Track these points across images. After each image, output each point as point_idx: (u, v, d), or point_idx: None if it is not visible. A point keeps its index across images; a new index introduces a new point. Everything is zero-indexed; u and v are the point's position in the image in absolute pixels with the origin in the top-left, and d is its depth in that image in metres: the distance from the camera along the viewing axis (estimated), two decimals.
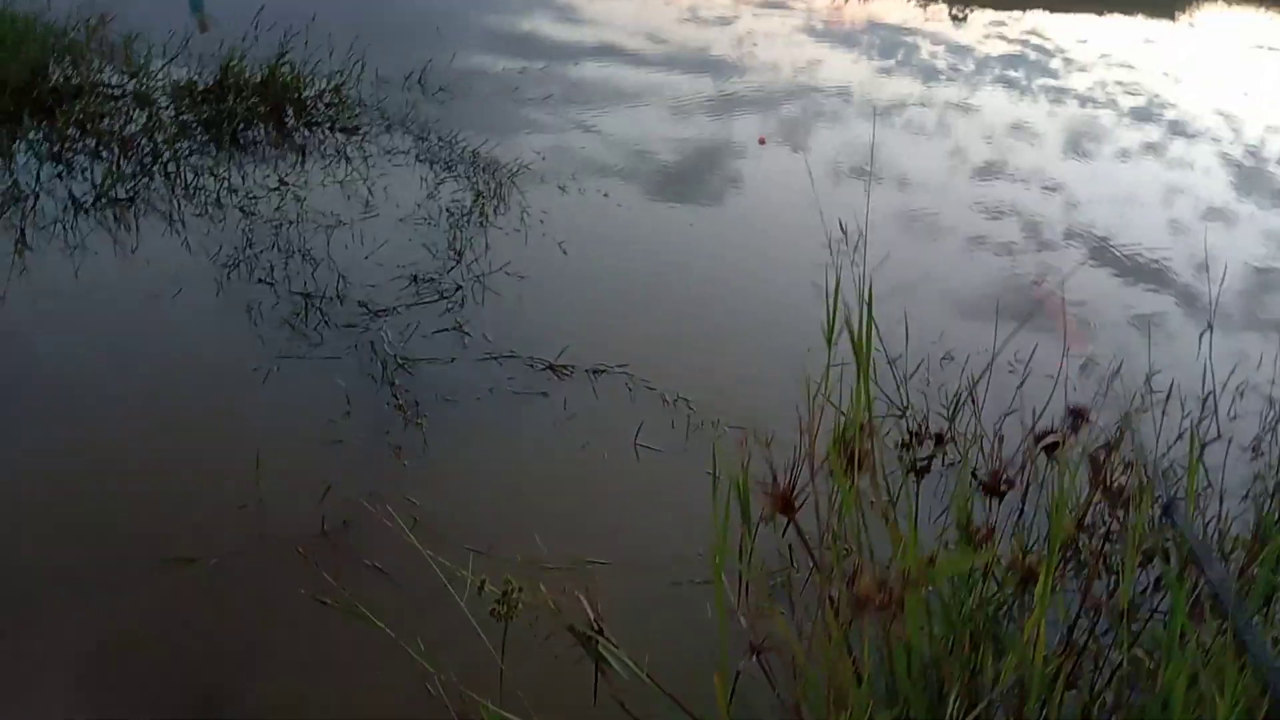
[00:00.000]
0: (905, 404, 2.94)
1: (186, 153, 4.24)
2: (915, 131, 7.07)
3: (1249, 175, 6.86)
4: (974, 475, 1.64)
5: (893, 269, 4.43)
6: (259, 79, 4.90)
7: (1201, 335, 3.22)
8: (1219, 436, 2.87)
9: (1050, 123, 7.69)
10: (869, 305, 1.39)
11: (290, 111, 4.82)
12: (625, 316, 3.40)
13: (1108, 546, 1.68)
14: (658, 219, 4.32)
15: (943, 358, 3.22)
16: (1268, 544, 1.49)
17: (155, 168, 4.05)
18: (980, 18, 11.92)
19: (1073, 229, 5.32)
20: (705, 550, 2.28)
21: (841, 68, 9.18)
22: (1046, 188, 5.98)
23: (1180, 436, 2.85)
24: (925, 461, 1.46)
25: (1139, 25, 12.26)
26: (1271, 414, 3.17)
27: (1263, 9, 13.47)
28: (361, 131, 4.72)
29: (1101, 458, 1.37)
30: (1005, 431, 2.74)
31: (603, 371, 2.95)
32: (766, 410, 2.89)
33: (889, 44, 10.56)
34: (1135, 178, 6.54)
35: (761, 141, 5.26)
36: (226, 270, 3.33)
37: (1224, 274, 3.37)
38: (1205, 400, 2.97)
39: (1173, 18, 12.77)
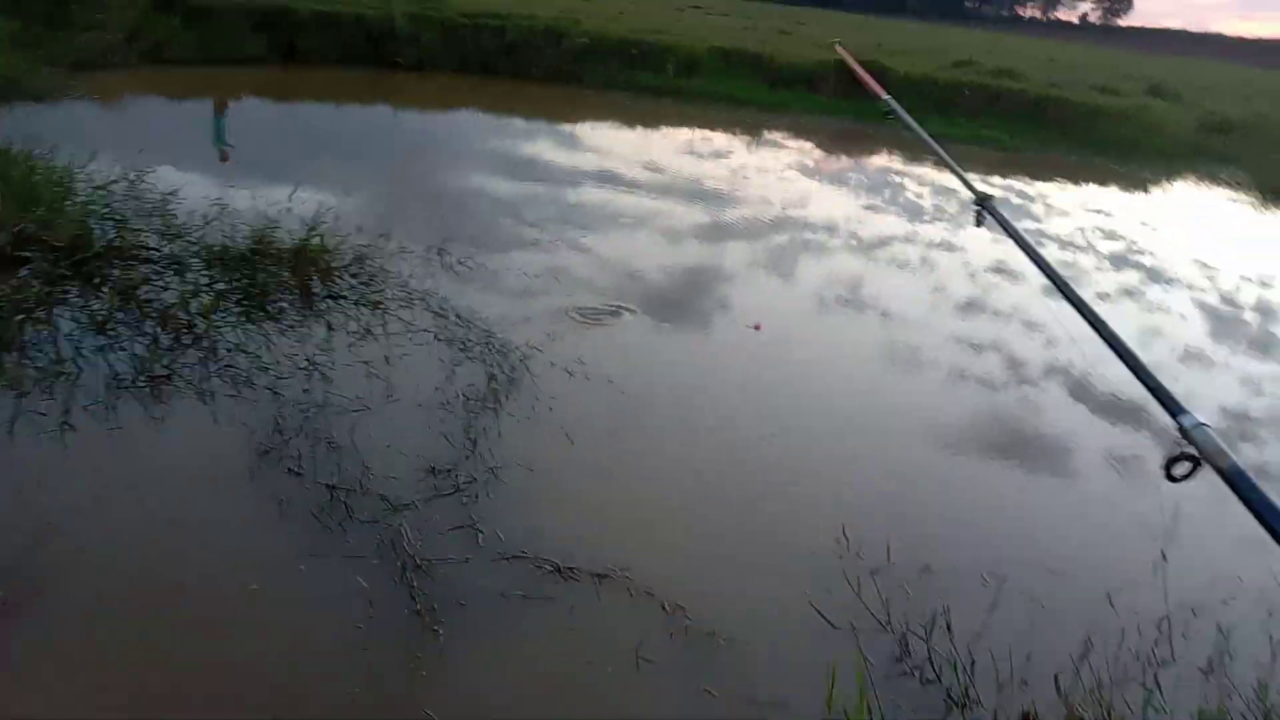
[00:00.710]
0: (886, 619, 3.17)
1: (220, 324, 4.53)
2: (899, 267, 7.55)
3: (1224, 321, 7.30)
4: None
5: (876, 403, 4.82)
6: (290, 248, 5.26)
7: (1155, 564, 3.47)
8: (1172, 659, 3.12)
9: (1031, 264, 8.12)
10: None
11: (318, 281, 5.15)
12: (628, 513, 3.64)
13: None
14: (658, 401, 4.60)
15: (922, 570, 3.45)
16: None
17: (191, 342, 4.34)
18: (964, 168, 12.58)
19: (1053, 366, 5.69)
20: None
21: (830, 203, 9.82)
22: (1027, 325, 6.40)
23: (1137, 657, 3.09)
24: None
25: (1115, 193, 12.96)
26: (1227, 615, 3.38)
27: (1228, 190, 14.25)
28: (384, 306, 5.04)
29: None
30: (977, 655, 2.99)
31: (605, 576, 3.18)
32: (764, 617, 3.13)
33: (876, 183, 11.29)
34: (1113, 319, 6.90)
35: (757, 328, 5.56)
36: (258, 457, 3.57)
37: (1175, 508, 3.63)
38: (1161, 624, 3.23)
39: (1146, 190, 13.49)
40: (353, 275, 5.36)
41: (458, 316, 5.09)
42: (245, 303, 4.80)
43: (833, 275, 7.10)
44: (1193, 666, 3.09)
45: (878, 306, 6.43)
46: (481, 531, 3.33)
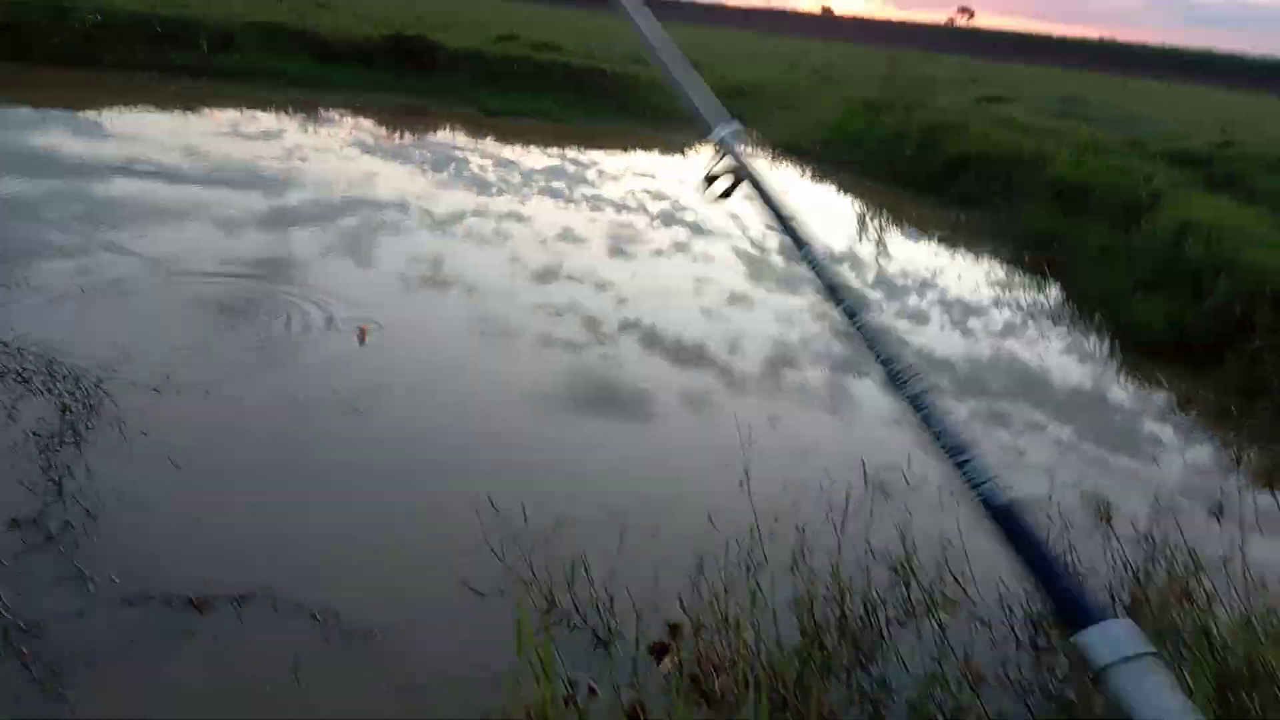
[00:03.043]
0: (531, 576, 3.39)
1: None
2: (476, 241, 7.85)
3: (757, 264, 8.47)
4: None
5: (479, 376, 5.04)
6: None
7: (740, 482, 4.03)
8: (766, 561, 3.67)
9: (593, 228, 8.93)
10: None
11: None
12: (258, 530, 3.50)
13: None
14: (258, 407, 4.41)
15: (555, 525, 3.70)
16: None
17: None
18: (522, 141, 13.19)
19: (625, 321, 6.29)
20: None
21: (397, 181, 9.84)
22: (598, 286, 7.00)
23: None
24: None
25: (656, 156, 14.28)
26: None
27: (746, 147, 16.25)
28: None
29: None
30: (614, 593, 3.30)
31: (247, 598, 3.05)
32: (417, 602, 3.20)
33: (441, 159, 11.47)
34: (670, 272, 7.80)
35: (362, 338, 5.34)
36: None
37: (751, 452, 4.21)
38: (753, 531, 3.78)
39: (682, 152, 15.01)
40: None
41: (4, 345, 4.47)
42: None
43: (414, 255, 7.18)
44: (782, 565, 3.65)
45: (460, 281, 6.64)
46: (93, 580, 3.03)
